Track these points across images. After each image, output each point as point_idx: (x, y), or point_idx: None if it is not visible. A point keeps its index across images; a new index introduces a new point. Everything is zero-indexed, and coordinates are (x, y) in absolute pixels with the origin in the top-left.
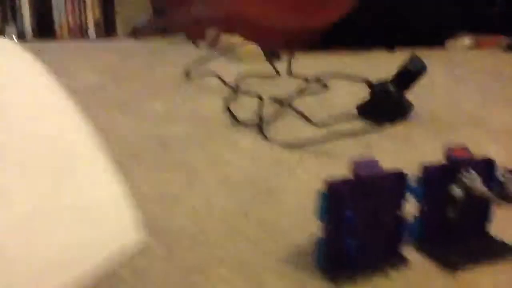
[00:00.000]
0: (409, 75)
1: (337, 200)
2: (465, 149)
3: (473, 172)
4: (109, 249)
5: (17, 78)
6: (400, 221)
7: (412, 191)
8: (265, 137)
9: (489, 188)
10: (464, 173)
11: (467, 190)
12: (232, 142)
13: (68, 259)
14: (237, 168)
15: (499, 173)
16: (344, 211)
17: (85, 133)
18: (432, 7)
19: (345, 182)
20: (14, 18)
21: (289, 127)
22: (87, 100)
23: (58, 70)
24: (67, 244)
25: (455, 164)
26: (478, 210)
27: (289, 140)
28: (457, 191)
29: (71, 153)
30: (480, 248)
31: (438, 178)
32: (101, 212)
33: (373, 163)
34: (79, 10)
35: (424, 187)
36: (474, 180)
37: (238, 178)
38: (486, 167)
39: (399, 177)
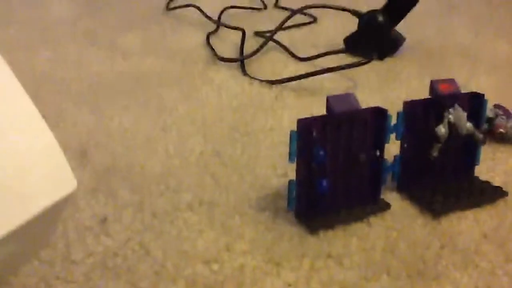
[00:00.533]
0: (399, 4)
1: (307, 138)
2: (452, 82)
3: (459, 107)
4: (35, 199)
5: None
6: (378, 161)
7: (392, 128)
8: (245, 73)
9: (477, 126)
10: (449, 109)
11: (452, 127)
12: (210, 78)
13: None
14: (213, 107)
15: (488, 109)
16: (314, 150)
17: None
18: None
19: (316, 119)
20: None
21: (271, 63)
22: (60, 33)
23: (31, 2)
24: None
25: (440, 99)
26: (464, 149)
27: (271, 76)
28: (441, 128)
29: None
30: (464, 191)
31: (420, 114)
32: (26, 159)
33: (349, 98)
34: None
35: (405, 124)
36: (460, 117)
37: (214, 119)
38: (473, 102)
39: (377, 113)
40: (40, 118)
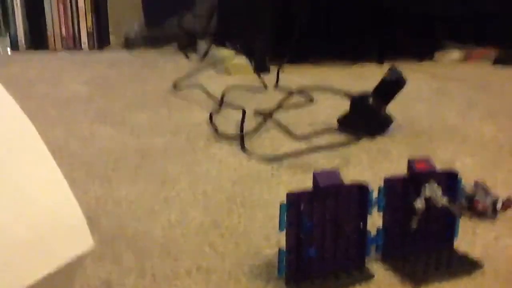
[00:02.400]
0: (388, 87)
1: (296, 211)
2: (428, 161)
3: (434, 183)
4: (57, 254)
5: None
6: (362, 232)
7: (375, 202)
8: (244, 150)
9: (453, 200)
10: (426, 185)
11: (428, 201)
12: (211, 154)
13: (14, 262)
14: (213, 180)
15: (469, 185)
16: (302, 221)
17: (32, 134)
18: (421, 20)
19: (304, 193)
20: (8, 28)
21: (270, 140)
22: (74, 110)
23: (49, 80)
24: (9, 245)
25: (417, 176)
26: (443, 222)
27: (269, 152)
28: (418, 202)
29: (14, 153)
30: (444, 262)
31: (400, 190)
32: (45, 213)
33: (333, 175)
34: (72, 19)
35: (386, 198)
36: (435, 192)
37: (213, 191)
38: (448, 179)
39: (360, 189)
40: (64, 181)
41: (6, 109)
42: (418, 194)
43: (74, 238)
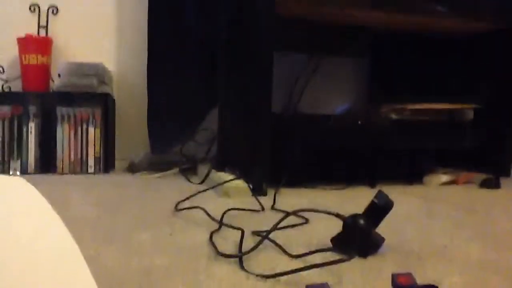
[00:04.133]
0: (377, 210)
1: None
2: (409, 275)
3: None
4: None
5: (22, 211)
6: None
7: None
8: (243, 268)
9: None
10: None
11: None
12: (212, 273)
13: None
14: None
15: None
16: None
17: (79, 260)
18: (410, 146)
19: None
20: (20, 153)
21: (267, 259)
22: (80, 230)
23: (56, 202)
24: None
25: None
26: None
27: (266, 271)
28: None
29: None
30: None
31: None
32: None
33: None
34: (81, 147)
35: None
36: None
37: None
38: None
39: None
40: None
41: (53, 229)
42: None
43: None
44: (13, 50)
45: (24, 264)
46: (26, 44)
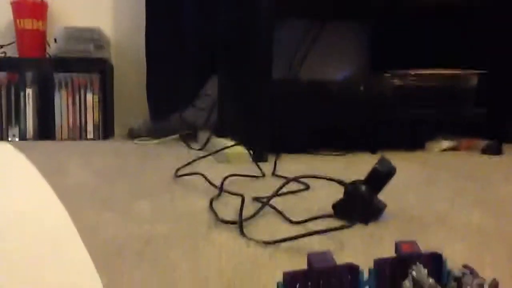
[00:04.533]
0: (379, 176)
1: None
2: (414, 244)
3: (420, 265)
4: None
5: (10, 179)
6: None
7: (365, 283)
8: (243, 234)
9: (438, 281)
10: (413, 266)
11: (415, 282)
12: (212, 239)
13: None
14: (213, 264)
15: (457, 269)
16: None
17: (70, 230)
18: (412, 112)
19: (299, 273)
20: (18, 120)
21: (267, 225)
22: (78, 198)
23: (55, 169)
24: None
25: (403, 258)
26: None
27: (266, 237)
28: (406, 283)
29: (55, 248)
30: None
31: (389, 271)
32: None
33: (327, 256)
34: (80, 113)
35: (376, 279)
36: (421, 273)
37: (213, 275)
38: (434, 261)
39: (351, 269)
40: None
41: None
42: (406, 275)
43: None
44: (8, 15)
45: (9, 233)
46: (20, 8)
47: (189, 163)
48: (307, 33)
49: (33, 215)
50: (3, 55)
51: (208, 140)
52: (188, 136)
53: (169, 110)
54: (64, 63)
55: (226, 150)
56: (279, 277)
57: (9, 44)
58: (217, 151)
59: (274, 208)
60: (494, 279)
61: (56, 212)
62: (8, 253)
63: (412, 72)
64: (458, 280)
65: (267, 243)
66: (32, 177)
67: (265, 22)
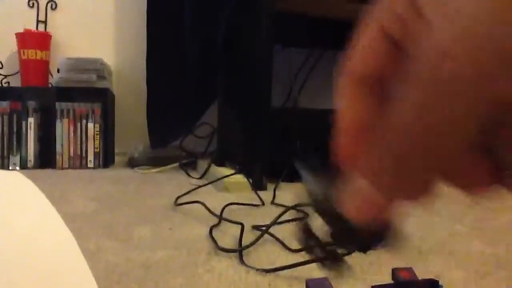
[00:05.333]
0: None
1: None
2: (410, 270)
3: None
4: None
5: (20, 206)
6: None
7: None
8: (243, 262)
9: None
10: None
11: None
12: (211, 267)
13: None
14: None
15: None
16: None
17: (78, 255)
18: None
19: None
20: (19, 149)
21: (267, 253)
22: (80, 225)
23: (56, 197)
24: None
25: (400, 284)
26: None
27: (266, 265)
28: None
29: (63, 272)
30: None
31: None
32: None
33: (325, 283)
34: (81, 141)
35: None
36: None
37: None
38: (429, 286)
39: None
40: None
41: (53, 225)
42: None
43: None
44: (12, 45)
45: (21, 260)
46: (25, 39)
47: (189, 192)
48: (306, 61)
49: (43, 239)
50: (6, 84)
51: (207, 169)
52: (188, 165)
53: (169, 139)
54: (66, 93)
55: (226, 179)
56: None
57: (13, 74)
58: (216, 180)
59: (273, 236)
60: None
61: (64, 237)
62: (19, 277)
63: None
64: None
65: (266, 271)
66: (42, 204)
67: (264, 52)
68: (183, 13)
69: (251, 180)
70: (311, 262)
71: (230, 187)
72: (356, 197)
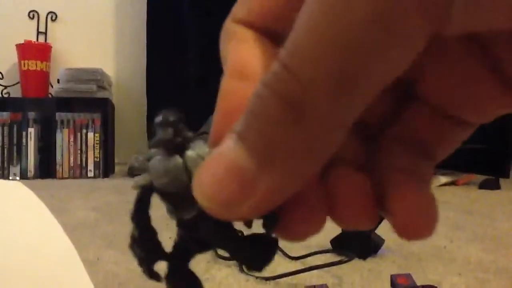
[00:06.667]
0: None
1: None
2: (408, 276)
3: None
4: None
5: (20, 217)
6: None
7: None
8: (242, 271)
9: None
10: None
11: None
12: (211, 276)
13: None
14: None
15: None
16: None
17: (78, 264)
18: None
19: None
20: (19, 159)
21: None
22: (80, 235)
23: (56, 206)
24: None
25: None
26: None
27: (266, 273)
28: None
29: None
30: None
31: None
32: None
33: None
34: (81, 151)
35: None
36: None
37: None
38: None
39: None
40: None
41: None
42: None
43: None
44: (12, 56)
45: (22, 269)
46: (25, 50)
47: None
48: None
49: (43, 249)
50: (7, 95)
51: None
52: None
53: None
54: (66, 103)
55: None
56: None
57: (13, 85)
58: None
59: None
60: None
61: (64, 247)
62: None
63: None
64: None
65: (266, 278)
66: (42, 214)
67: None
68: (183, 24)
69: None
70: (311, 270)
71: None
72: (215, 163)
